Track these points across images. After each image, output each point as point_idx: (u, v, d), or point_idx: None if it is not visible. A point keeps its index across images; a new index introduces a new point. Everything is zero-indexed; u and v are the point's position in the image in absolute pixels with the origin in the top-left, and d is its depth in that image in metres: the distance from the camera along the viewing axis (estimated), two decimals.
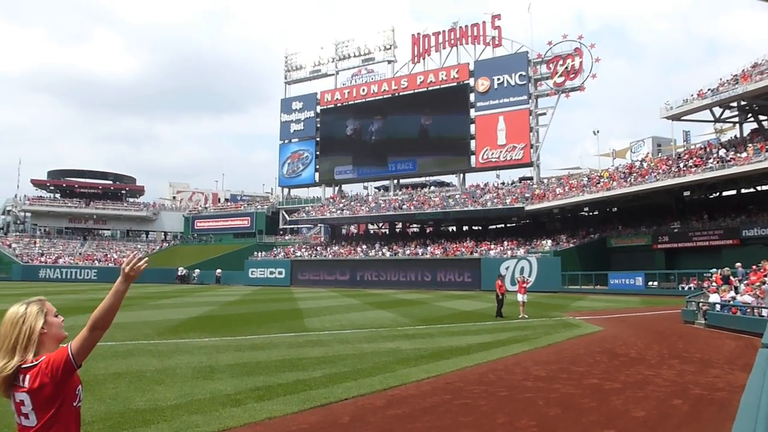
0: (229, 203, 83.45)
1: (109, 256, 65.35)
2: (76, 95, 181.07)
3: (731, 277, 19.74)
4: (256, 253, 59.83)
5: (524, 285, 21.77)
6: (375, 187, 71.30)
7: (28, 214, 72.55)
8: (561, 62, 52.50)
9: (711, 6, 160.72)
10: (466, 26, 57.56)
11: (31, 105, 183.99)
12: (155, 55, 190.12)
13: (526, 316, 20.39)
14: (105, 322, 2.70)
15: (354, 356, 11.42)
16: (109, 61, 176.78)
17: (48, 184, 76.56)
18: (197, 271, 57.58)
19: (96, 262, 62.98)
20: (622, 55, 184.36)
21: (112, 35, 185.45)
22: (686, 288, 33.06)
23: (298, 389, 8.33)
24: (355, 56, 65.76)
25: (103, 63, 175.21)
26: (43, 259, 61.91)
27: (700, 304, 18.61)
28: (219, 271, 54.88)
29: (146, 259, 2.92)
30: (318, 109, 67.04)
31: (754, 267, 19.72)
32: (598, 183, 43.67)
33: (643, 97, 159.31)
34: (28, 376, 2.58)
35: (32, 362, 2.60)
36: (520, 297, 21.03)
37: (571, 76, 52.25)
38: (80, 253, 65.54)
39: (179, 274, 56.92)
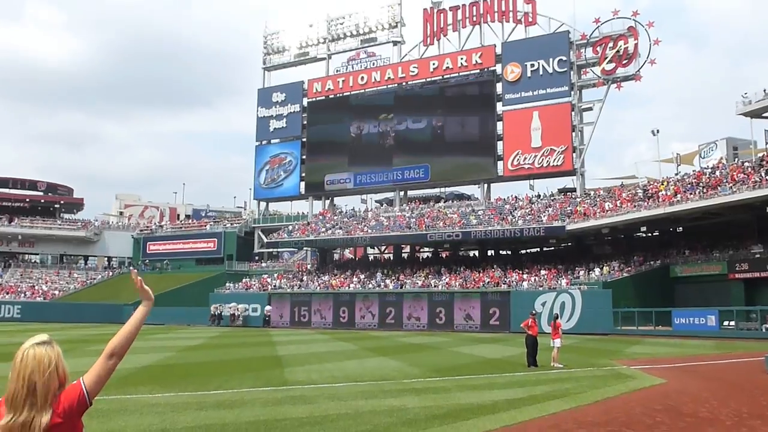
0: (190, 221, 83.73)
1: (37, 288, 65.40)
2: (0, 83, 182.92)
3: None
4: (224, 284, 59.82)
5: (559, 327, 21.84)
6: (376, 201, 71.54)
7: None
8: (611, 45, 52.91)
9: None
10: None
11: None
12: (102, 35, 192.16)
13: (561, 365, 20.30)
14: (124, 348, 3.09)
15: (347, 416, 11.37)
16: (45, 41, 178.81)
17: None
18: (235, 305, 55.02)
19: (20, 295, 63.01)
20: (683, 38, 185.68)
21: (49, 8, 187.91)
22: None
23: None
24: (352, 36, 66.48)
25: (37, 43, 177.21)
26: None
27: None
28: (269, 308, 53.94)
29: (135, 271, 3.46)
30: (305, 101, 67.58)
31: None
32: (657, 196, 43.68)
33: (713, 89, 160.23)
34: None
35: None
36: (557, 342, 21.01)
37: (624, 62, 52.60)
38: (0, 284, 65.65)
39: (214, 313, 54.90)
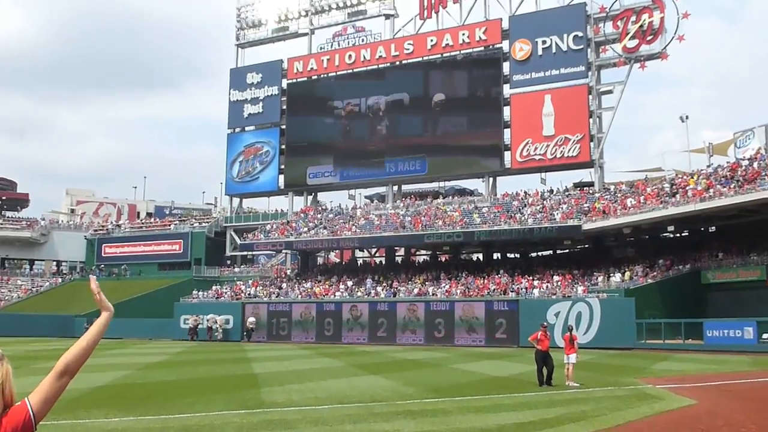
0: (152, 220, 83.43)
1: None
2: None
3: None
4: (193, 292, 59.59)
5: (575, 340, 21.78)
6: (366, 197, 71.53)
7: None
8: (633, 18, 53.03)
9: None
10: None
11: None
12: (51, 7, 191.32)
13: (577, 384, 20.35)
14: (78, 365, 3.08)
15: None
16: None
17: None
18: (213, 317, 54.37)
19: None
20: (716, 11, 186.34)
21: None
22: None
23: None
24: (338, 8, 66.36)
25: None
26: None
27: None
28: (252, 320, 53.44)
29: (94, 278, 3.52)
30: (284, 83, 67.49)
31: None
32: (687, 191, 43.80)
33: (751, 70, 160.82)
34: None
35: None
36: (572, 358, 20.99)
37: (649, 38, 52.70)
38: None
39: (195, 325, 53.98)
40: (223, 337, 53.10)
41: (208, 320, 54.09)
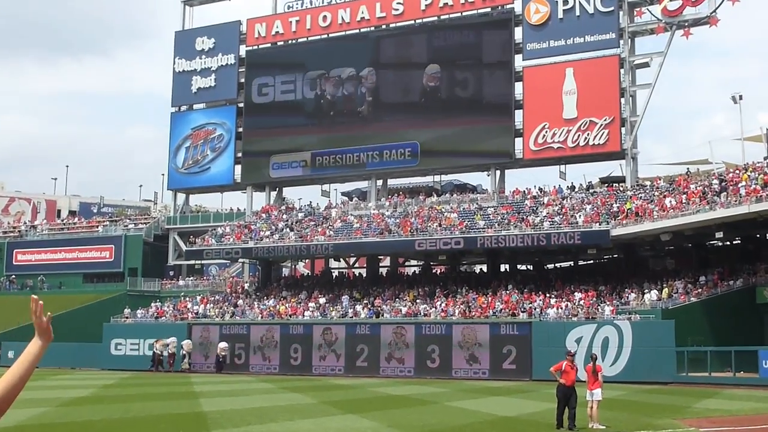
0: (77, 219, 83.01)
1: None
2: None
3: None
4: (126, 310, 59.31)
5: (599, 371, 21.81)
6: (342, 193, 71.44)
7: None
8: None
9: None
10: None
11: None
12: None
13: (603, 426, 20.40)
14: (11, 399, 3.21)
15: None
16: None
17: None
18: (174, 341, 53.89)
19: None
20: None
21: None
22: None
23: None
24: None
25: None
26: None
27: None
28: (223, 345, 52.25)
29: (39, 302, 3.52)
30: (243, 50, 67.43)
31: None
32: (740, 189, 43.98)
33: None
34: None
35: None
36: (596, 394, 21.04)
37: None
38: None
39: (161, 352, 53.49)
40: (191, 366, 52.62)
41: (168, 345, 53.72)
